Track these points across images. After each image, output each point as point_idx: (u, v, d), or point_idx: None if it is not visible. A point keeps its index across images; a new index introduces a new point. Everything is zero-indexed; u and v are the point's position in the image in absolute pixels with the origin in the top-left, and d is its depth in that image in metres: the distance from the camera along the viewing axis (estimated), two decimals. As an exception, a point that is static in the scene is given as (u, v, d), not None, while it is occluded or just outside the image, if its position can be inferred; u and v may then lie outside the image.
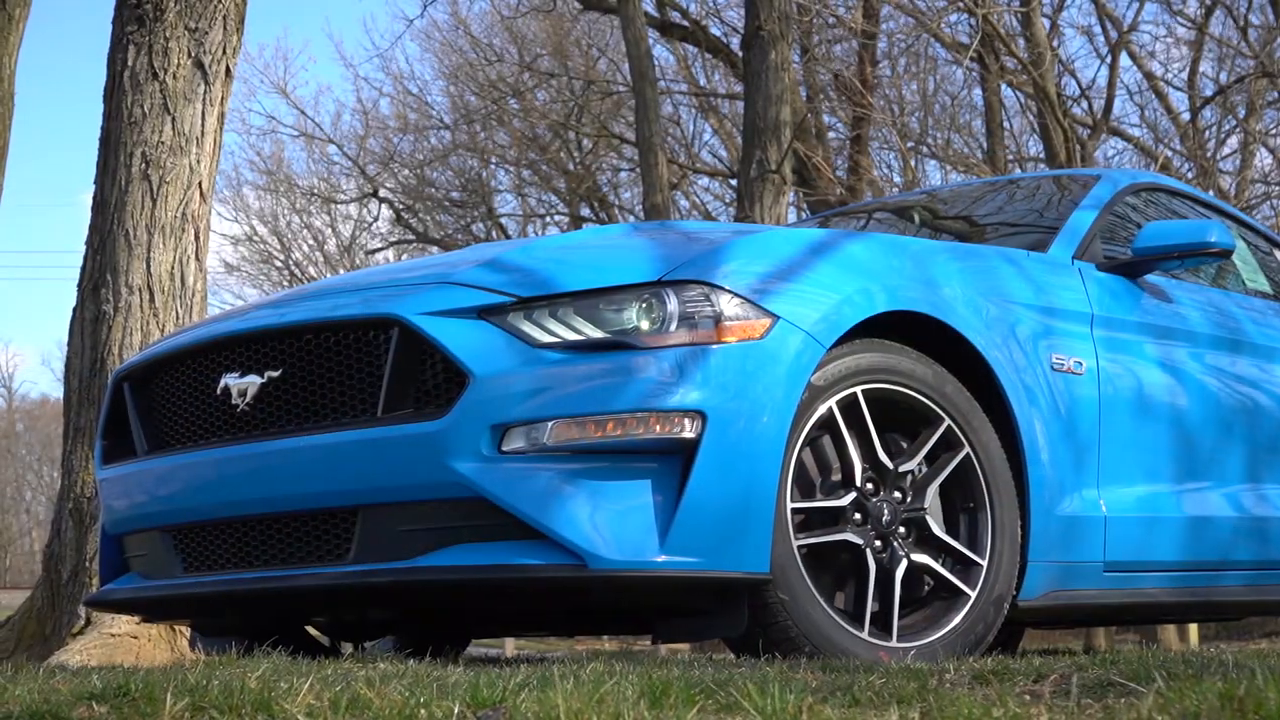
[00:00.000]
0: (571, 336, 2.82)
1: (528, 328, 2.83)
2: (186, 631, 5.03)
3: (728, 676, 1.94)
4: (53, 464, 47.57)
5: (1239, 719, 1.34)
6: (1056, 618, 4.10)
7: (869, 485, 3.05)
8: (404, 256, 24.90)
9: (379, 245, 26.26)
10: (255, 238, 27.67)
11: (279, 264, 27.74)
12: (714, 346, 2.81)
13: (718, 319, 2.82)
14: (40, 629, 5.39)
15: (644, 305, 2.83)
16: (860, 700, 1.66)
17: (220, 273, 29.41)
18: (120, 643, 5.01)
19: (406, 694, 1.68)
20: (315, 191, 26.84)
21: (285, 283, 27.12)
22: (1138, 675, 1.76)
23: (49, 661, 4.35)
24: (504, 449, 2.78)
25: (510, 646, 15.44)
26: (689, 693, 1.64)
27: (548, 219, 24.70)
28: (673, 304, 2.82)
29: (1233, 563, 3.94)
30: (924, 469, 3.13)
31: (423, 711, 1.55)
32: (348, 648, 3.86)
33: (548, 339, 2.82)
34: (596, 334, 2.81)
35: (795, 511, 2.92)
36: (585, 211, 23.59)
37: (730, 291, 2.87)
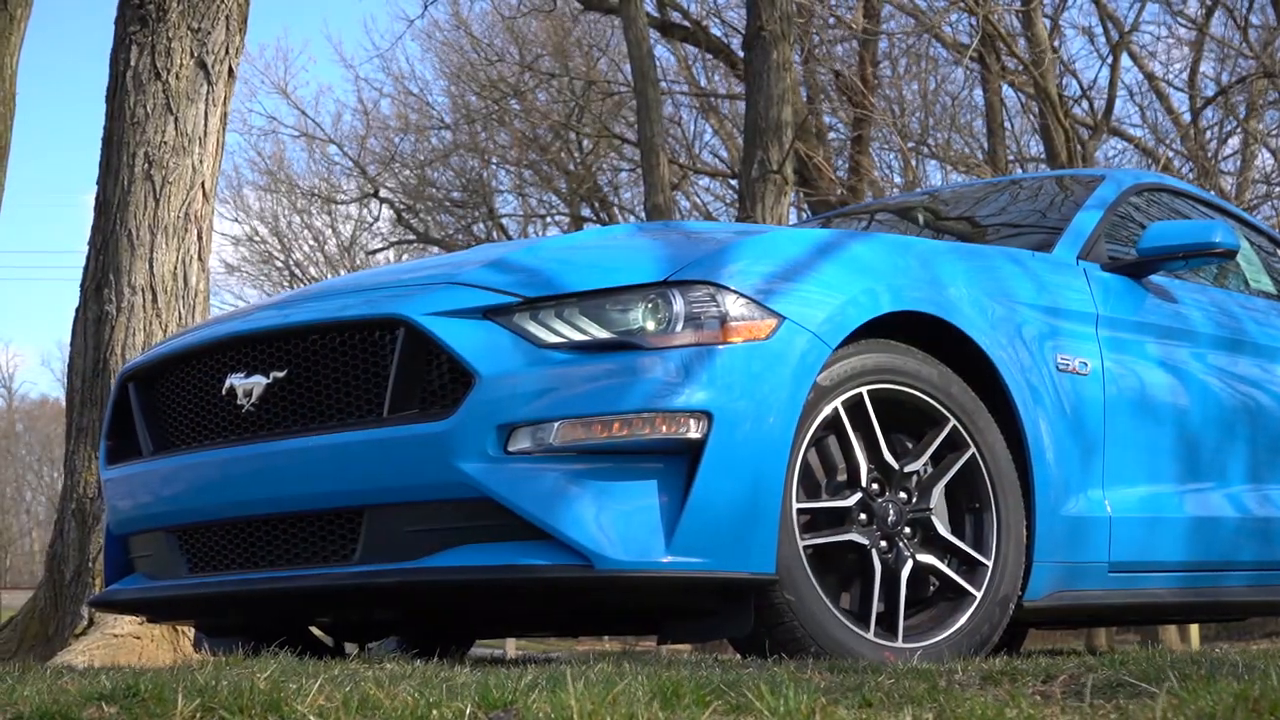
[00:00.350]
0: (577, 337, 2.82)
1: (533, 328, 2.83)
2: (189, 632, 5.03)
3: (736, 677, 1.93)
4: (53, 464, 47.60)
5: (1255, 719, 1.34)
6: (1061, 618, 4.10)
7: (874, 486, 3.05)
8: (405, 257, 24.91)
9: (380, 245, 26.27)
10: (256, 238, 27.68)
11: (279, 264, 27.75)
12: (720, 347, 2.81)
13: (723, 319, 2.82)
14: (43, 629, 5.39)
15: (650, 305, 2.83)
16: (872, 701, 1.66)
17: (221, 273, 29.41)
18: (123, 643, 5.01)
19: (416, 695, 1.67)
20: (316, 192, 26.83)
21: (286, 283, 27.11)
22: (1148, 675, 1.76)
23: (52, 662, 4.35)
24: (510, 449, 2.78)
25: (511, 647, 15.44)
26: (700, 693, 1.64)
27: (548, 219, 24.71)
28: (679, 304, 2.82)
29: (1236, 563, 3.94)
30: (929, 469, 3.13)
31: (434, 713, 1.55)
32: (351, 648, 3.86)
33: (554, 339, 2.81)
34: (602, 334, 2.81)
35: (801, 512, 2.92)
36: (586, 212, 23.59)
37: (736, 292, 2.87)
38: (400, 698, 1.65)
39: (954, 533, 3.13)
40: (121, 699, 1.70)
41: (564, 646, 16.95)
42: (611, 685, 1.65)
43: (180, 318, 5.56)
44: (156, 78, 5.58)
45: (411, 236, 25.09)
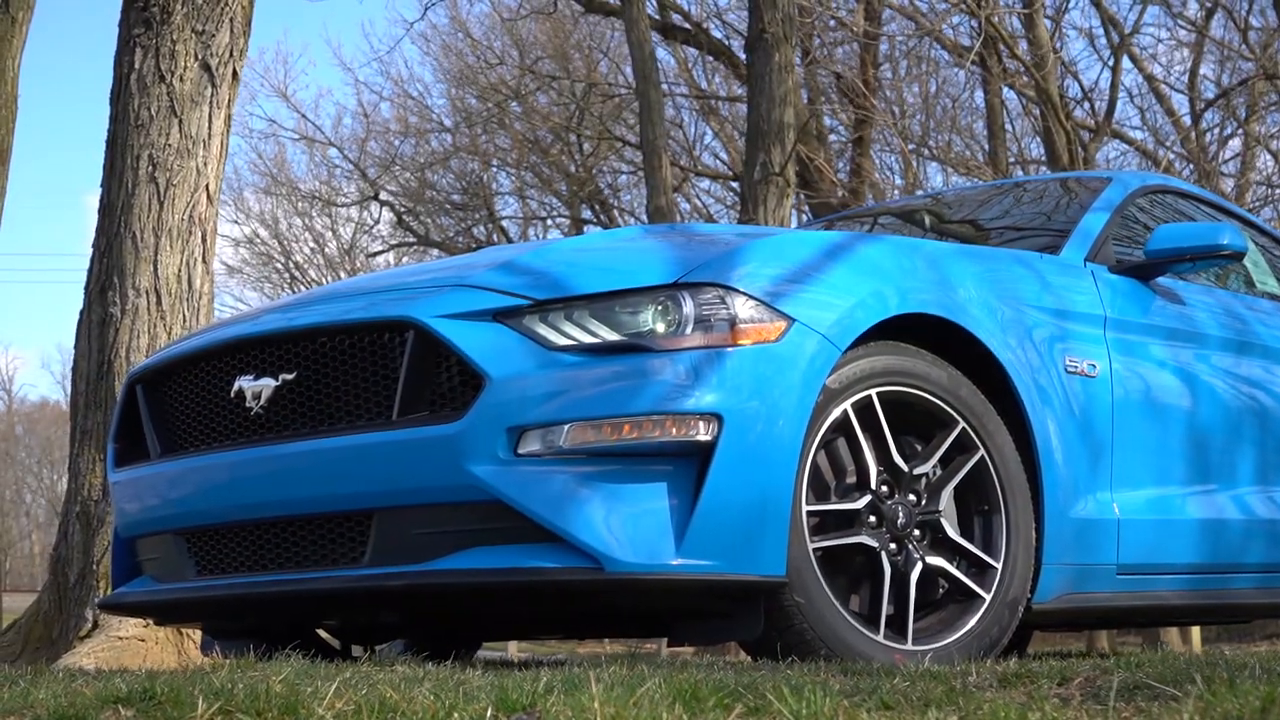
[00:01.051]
0: (587, 339, 2.81)
1: (543, 330, 2.83)
2: (194, 635, 5.02)
3: (751, 680, 1.93)
4: (52, 467, 47.58)
5: (1280, 723, 1.34)
6: (1070, 620, 4.09)
7: (884, 488, 3.05)
8: (405, 259, 24.90)
9: (380, 248, 26.25)
10: (256, 240, 27.66)
11: (279, 267, 27.73)
12: (729, 349, 2.80)
13: (733, 321, 2.82)
14: (47, 632, 5.39)
15: (659, 308, 2.82)
16: (891, 704, 1.66)
17: (221, 275, 29.38)
18: (128, 646, 5.01)
19: (434, 698, 1.67)
20: (316, 194, 26.82)
21: (286, 285, 27.10)
22: (1167, 678, 1.76)
23: (57, 664, 4.34)
24: (520, 452, 2.77)
25: (513, 649, 15.42)
26: (719, 696, 1.64)
27: (549, 221, 24.71)
28: (688, 306, 2.81)
29: (1244, 565, 3.94)
30: (938, 471, 3.13)
31: (456, 715, 1.55)
32: (357, 651, 3.86)
33: (563, 341, 2.81)
34: (612, 336, 2.81)
35: (810, 514, 2.92)
36: (586, 214, 23.58)
37: (745, 294, 2.86)
38: (418, 701, 1.64)
39: (963, 535, 3.13)
40: (138, 702, 1.70)
41: (565, 648, 16.94)
42: (632, 688, 1.65)
43: (185, 320, 5.55)
44: (161, 80, 5.57)
45: (412, 239, 25.08)
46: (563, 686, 1.76)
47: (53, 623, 5.36)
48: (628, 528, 2.72)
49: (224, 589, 3.19)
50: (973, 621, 3.06)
